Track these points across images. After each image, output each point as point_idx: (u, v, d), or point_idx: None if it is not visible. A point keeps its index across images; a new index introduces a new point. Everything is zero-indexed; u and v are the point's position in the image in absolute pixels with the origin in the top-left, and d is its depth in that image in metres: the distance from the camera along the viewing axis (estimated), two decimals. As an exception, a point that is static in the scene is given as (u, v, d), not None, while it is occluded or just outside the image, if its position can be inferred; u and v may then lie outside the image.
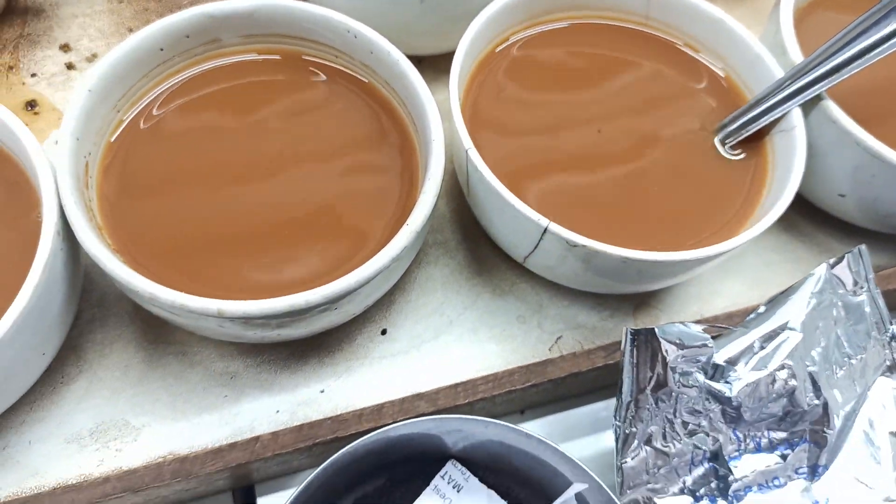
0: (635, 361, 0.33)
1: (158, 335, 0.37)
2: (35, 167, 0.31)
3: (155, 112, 0.36)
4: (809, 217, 0.44)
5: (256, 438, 0.32)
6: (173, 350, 0.37)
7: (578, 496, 0.32)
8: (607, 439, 0.39)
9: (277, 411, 0.36)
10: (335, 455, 0.30)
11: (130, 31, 0.46)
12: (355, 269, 0.30)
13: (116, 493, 0.31)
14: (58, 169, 0.31)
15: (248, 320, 0.29)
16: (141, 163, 0.34)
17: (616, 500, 0.30)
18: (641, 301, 0.40)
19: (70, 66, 0.44)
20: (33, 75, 0.44)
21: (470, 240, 0.41)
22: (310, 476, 0.29)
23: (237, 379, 0.36)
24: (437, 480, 0.35)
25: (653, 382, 0.33)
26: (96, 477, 0.31)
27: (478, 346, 0.38)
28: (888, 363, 0.37)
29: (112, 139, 0.34)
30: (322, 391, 0.36)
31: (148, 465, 0.31)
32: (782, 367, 0.35)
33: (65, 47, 0.45)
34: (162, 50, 0.35)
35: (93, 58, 0.44)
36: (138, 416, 0.35)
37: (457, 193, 0.42)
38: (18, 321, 0.28)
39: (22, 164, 0.33)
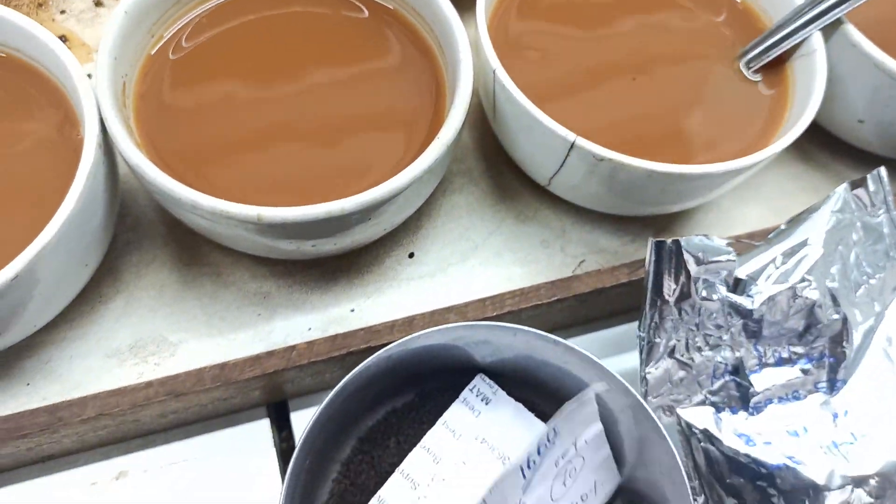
0: (659, 271, 0.34)
1: (193, 257, 0.38)
2: (77, 87, 0.31)
3: (188, 36, 0.36)
4: (827, 147, 0.44)
5: (293, 347, 0.33)
6: (207, 271, 0.38)
7: (602, 402, 0.33)
8: (631, 359, 0.40)
9: (309, 329, 0.37)
10: (366, 360, 0.31)
11: (156, -32, 0.46)
12: (389, 179, 0.30)
13: (159, 397, 0.32)
14: (98, 86, 0.31)
15: (286, 227, 0.30)
16: (175, 83, 0.35)
17: (643, 401, 0.31)
18: (662, 227, 0.41)
19: (98, 4, 0.45)
20: (62, 12, 0.44)
21: (493, 168, 0.42)
22: (342, 381, 0.31)
23: (270, 299, 0.37)
24: (465, 393, 0.36)
25: (676, 293, 0.34)
26: (139, 382, 0.32)
27: (503, 269, 0.39)
28: (905, 283, 0.38)
29: (148, 61, 0.35)
30: (352, 310, 0.37)
31: (189, 371, 0.32)
32: (803, 280, 0.35)
33: (93, -16, 0.45)
34: (194, -25, 0.36)
35: (120, -5, 0.45)
36: (175, 333, 0.36)
37: (480, 125, 0.43)
38: (65, 226, 0.29)
39: (63, 86, 0.33)
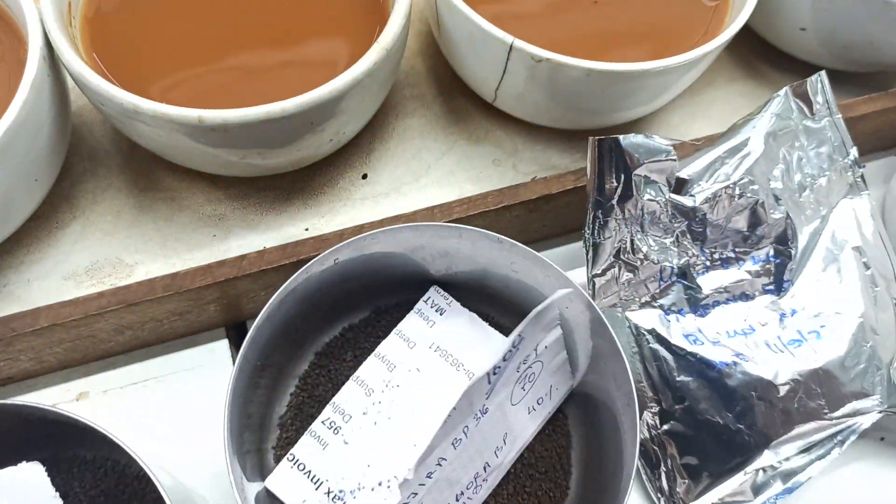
0: (601, 170, 0.35)
1: (148, 183, 0.38)
2: (21, 3, 0.32)
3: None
4: (773, 62, 0.45)
5: (243, 256, 0.34)
6: (163, 196, 0.38)
7: (559, 309, 0.33)
8: (581, 275, 0.41)
9: (264, 247, 0.37)
10: (313, 260, 0.31)
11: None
12: (328, 82, 0.31)
13: (111, 306, 0.32)
14: (42, 4, 0.32)
15: (227, 130, 0.30)
16: (120, 2, 0.36)
17: (592, 302, 0.31)
18: (612, 144, 0.42)
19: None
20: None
21: (446, 93, 0.43)
22: (288, 280, 0.31)
23: (225, 220, 0.38)
24: (420, 305, 0.37)
25: (618, 193, 0.35)
26: (92, 293, 0.32)
27: (456, 186, 0.40)
28: (849, 185, 0.39)
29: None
30: (306, 229, 0.38)
31: (141, 281, 0.33)
32: (743, 178, 0.36)
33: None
34: None
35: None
36: (131, 255, 0.37)
37: (431, 52, 0.44)
38: (9, 134, 0.29)
39: (6, 5, 0.34)
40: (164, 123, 0.30)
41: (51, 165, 0.34)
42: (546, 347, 0.34)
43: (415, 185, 0.40)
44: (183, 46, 0.35)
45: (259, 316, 0.30)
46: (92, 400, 0.36)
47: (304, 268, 0.31)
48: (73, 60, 0.31)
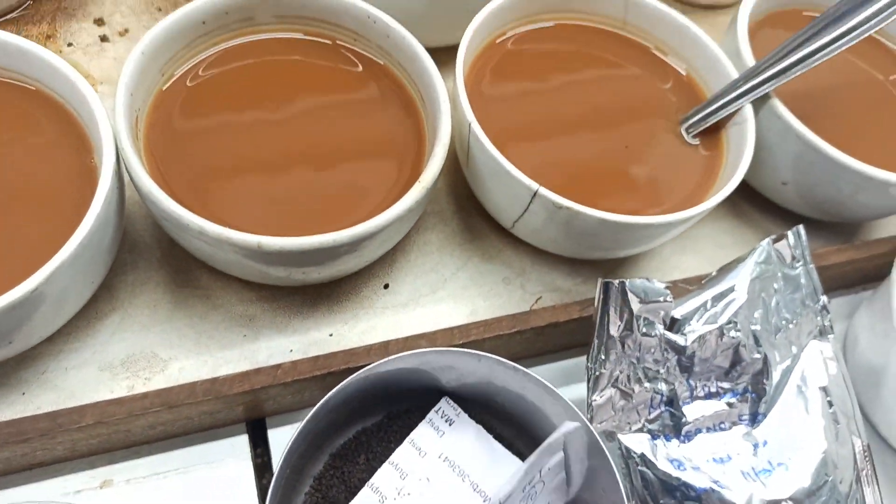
0: (606, 309, 0.39)
1: (185, 280, 0.41)
2: (95, 116, 0.35)
3: (195, 75, 0.40)
4: (757, 206, 0.50)
5: (278, 366, 0.36)
6: (198, 293, 0.41)
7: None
8: (580, 389, 0.44)
9: (291, 350, 0.40)
10: (347, 379, 0.34)
11: (159, 10, 0.50)
12: (376, 216, 0.34)
13: (154, 407, 0.34)
14: (116, 119, 0.35)
15: (282, 255, 0.33)
16: (182, 117, 0.39)
17: (591, 427, 0.35)
18: (610, 270, 0.46)
19: (104, 39, 0.48)
20: (69, 45, 0.47)
21: (463, 211, 0.46)
22: (325, 397, 0.34)
23: (255, 321, 0.41)
24: (431, 414, 0.40)
25: (620, 329, 0.39)
26: (136, 393, 0.35)
27: (468, 301, 0.43)
28: (818, 329, 0.43)
29: (158, 96, 0.39)
30: (331, 335, 0.41)
31: (182, 385, 0.35)
32: (729, 323, 0.40)
33: (98, 21, 0.48)
34: (204, 23, 0.40)
35: (125, 32, 0.48)
36: (166, 350, 0.39)
37: (453, 170, 0.48)
38: (81, 245, 0.32)
39: (77, 115, 0.37)
40: (223, 245, 0.33)
41: (106, 265, 0.36)
42: (549, 469, 0.37)
43: (432, 298, 0.43)
44: (233, 163, 0.38)
45: (297, 431, 0.33)
46: (116, 488, 0.37)
47: (341, 385, 0.34)
48: (143, 178, 0.34)
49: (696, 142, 0.44)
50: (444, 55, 0.45)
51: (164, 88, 0.39)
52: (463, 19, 0.46)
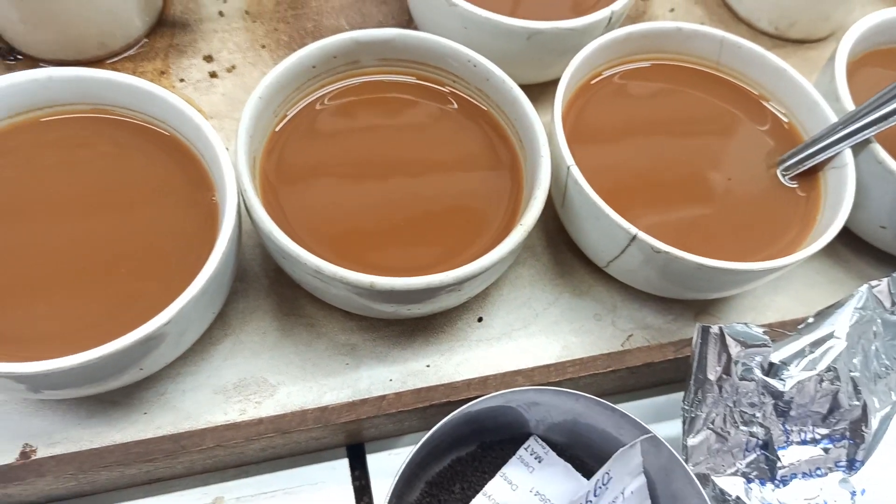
0: (703, 353, 0.39)
1: (291, 308, 0.43)
2: (218, 158, 0.37)
3: (305, 116, 0.42)
4: (851, 246, 0.49)
5: (383, 397, 0.38)
6: (303, 322, 0.43)
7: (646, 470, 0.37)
8: (668, 427, 0.45)
9: (390, 379, 0.42)
10: (454, 412, 0.36)
11: (263, 47, 0.53)
12: (481, 257, 0.36)
13: (268, 433, 0.37)
14: (237, 161, 0.37)
15: (392, 294, 0.35)
16: (293, 158, 0.41)
17: (687, 467, 0.35)
18: (701, 309, 0.46)
19: (213, 75, 0.51)
20: (181, 80, 0.50)
21: (553, 246, 0.47)
22: (433, 429, 0.35)
23: (356, 350, 0.42)
24: (521, 452, 0.41)
25: (718, 373, 0.39)
26: (251, 418, 0.37)
27: (560, 337, 0.44)
28: (919, 375, 0.43)
29: (272, 137, 0.41)
30: (428, 366, 0.42)
31: (294, 412, 0.37)
32: (829, 370, 0.40)
33: (207, 58, 0.51)
34: (314, 67, 0.42)
35: (232, 69, 0.51)
36: (274, 375, 0.41)
37: (544, 207, 0.48)
38: (210, 280, 0.34)
39: (200, 155, 0.39)
40: (337, 284, 0.35)
41: (224, 295, 0.39)
42: (632, 493, 0.38)
43: (524, 332, 0.44)
44: (341, 200, 0.40)
45: (405, 463, 0.34)
46: (226, 505, 0.40)
47: (448, 417, 0.35)
48: (265, 219, 0.36)
49: (794, 184, 0.44)
50: (535, 90, 0.46)
51: (277, 129, 0.42)
52: (555, 59, 0.47)
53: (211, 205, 0.38)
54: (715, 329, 0.38)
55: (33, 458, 0.37)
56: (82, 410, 0.39)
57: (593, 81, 0.46)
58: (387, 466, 0.42)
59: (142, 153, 0.40)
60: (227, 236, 0.35)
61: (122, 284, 0.36)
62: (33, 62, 0.50)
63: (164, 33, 0.52)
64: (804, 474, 0.41)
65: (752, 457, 0.41)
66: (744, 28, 0.60)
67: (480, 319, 0.44)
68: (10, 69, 0.50)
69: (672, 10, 0.60)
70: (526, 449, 0.41)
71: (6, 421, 0.38)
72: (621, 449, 0.36)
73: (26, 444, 0.38)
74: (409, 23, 0.55)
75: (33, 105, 0.39)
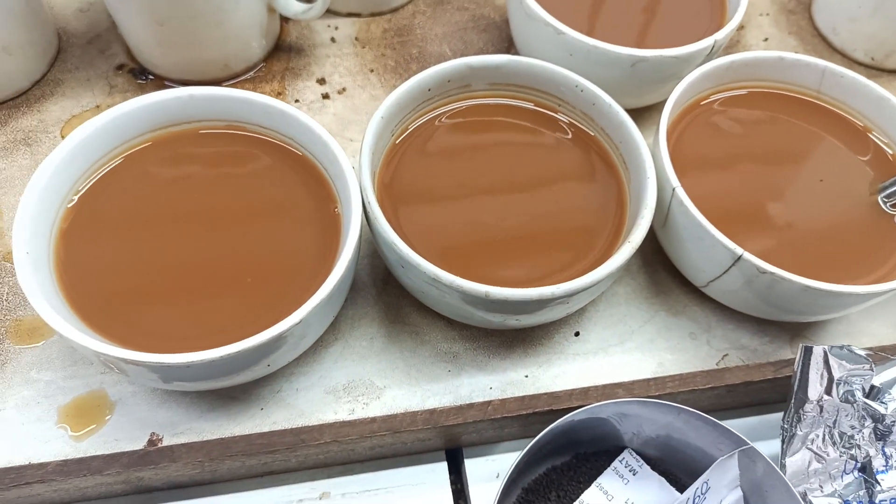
0: (805, 373, 0.39)
1: (396, 316, 0.45)
2: (344, 173, 0.40)
3: (420, 135, 0.45)
4: (951, 275, 0.49)
5: (489, 402, 0.40)
6: (408, 329, 0.45)
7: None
8: (759, 448, 0.45)
9: (490, 388, 0.43)
10: (557, 420, 0.37)
11: (371, 71, 0.56)
12: (591, 272, 0.37)
13: (381, 431, 0.39)
14: (362, 176, 0.40)
15: (505, 304, 0.37)
16: (408, 173, 0.43)
17: (790, 485, 0.36)
18: (797, 331, 0.47)
19: (325, 97, 0.54)
20: (296, 101, 0.54)
21: (649, 266, 0.49)
22: (541, 434, 0.37)
23: (458, 358, 0.44)
24: (616, 464, 0.42)
25: (819, 393, 0.40)
26: (364, 417, 0.39)
27: (656, 354, 0.45)
28: None
29: (388, 154, 0.44)
30: (526, 376, 0.44)
31: (405, 413, 0.39)
32: (932, 394, 0.40)
33: (321, 81, 0.55)
34: (429, 90, 0.44)
35: (343, 91, 0.54)
36: (381, 379, 0.43)
37: (638, 226, 0.50)
38: (335, 286, 0.36)
39: (325, 170, 0.42)
40: (452, 292, 0.37)
41: (342, 300, 0.41)
42: None
43: (620, 348, 0.45)
44: (454, 215, 0.42)
45: (511, 468, 0.36)
46: (332, 500, 0.42)
47: (551, 426, 0.37)
48: (388, 230, 0.38)
49: (895, 212, 0.45)
50: (631, 115, 0.47)
51: (394, 146, 0.44)
52: (655, 86, 0.49)
53: (333, 216, 0.41)
54: (818, 349, 0.39)
55: (160, 445, 0.40)
56: (204, 404, 0.42)
57: (694, 107, 0.47)
58: (482, 471, 0.44)
59: (271, 167, 0.43)
60: (352, 245, 0.38)
61: (249, 290, 0.39)
62: (161, 81, 0.54)
63: (281, 57, 0.56)
64: (905, 500, 0.41)
65: (851, 479, 0.41)
66: (838, 58, 0.60)
67: (577, 334, 0.46)
68: (141, 88, 0.54)
69: (766, 39, 0.61)
70: (621, 461, 0.42)
71: (135, 411, 0.42)
72: (720, 459, 0.37)
73: (153, 433, 0.41)
74: (508, 49, 0.57)
75: (174, 120, 0.43)
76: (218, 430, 0.41)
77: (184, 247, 0.40)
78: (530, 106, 0.47)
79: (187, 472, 0.40)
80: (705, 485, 0.38)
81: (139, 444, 0.40)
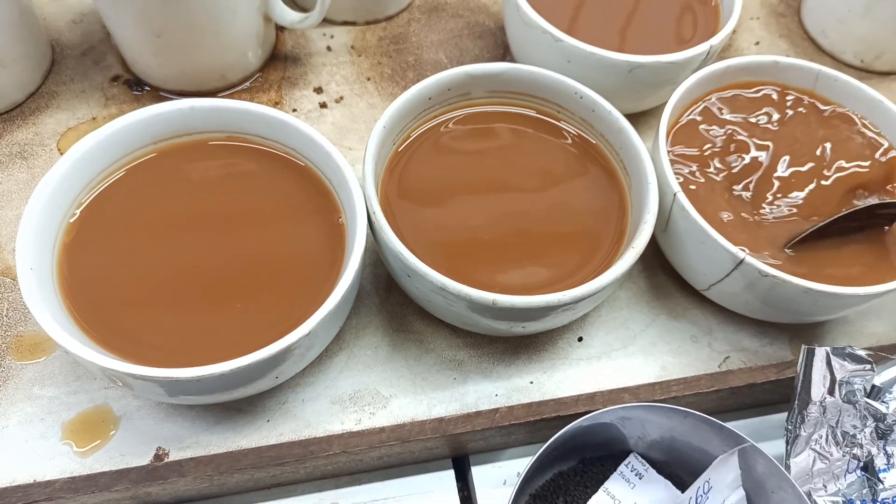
0: (808, 374, 0.40)
1: (400, 325, 0.45)
2: (347, 183, 0.40)
3: (421, 143, 0.45)
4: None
5: (496, 410, 0.40)
6: (412, 338, 0.45)
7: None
8: (765, 447, 0.45)
9: (496, 395, 0.43)
10: (567, 426, 0.37)
11: (368, 79, 0.56)
12: (596, 278, 0.38)
13: (390, 440, 0.39)
14: (365, 185, 0.40)
15: (511, 311, 0.37)
16: (409, 181, 0.44)
17: (798, 488, 0.37)
18: (796, 333, 0.47)
19: (322, 105, 0.54)
20: (294, 110, 0.54)
21: (649, 270, 0.49)
22: (551, 440, 0.37)
23: (462, 366, 0.44)
24: (622, 468, 0.43)
25: (822, 393, 0.40)
26: (373, 427, 0.39)
27: (658, 357, 0.45)
28: None
29: (390, 162, 0.44)
30: (531, 382, 0.44)
31: (414, 422, 0.39)
32: (932, 392, 0.41)
33: (318, 90, 0.55)
34: (430, 98, 0.44)
35: (340, 99, 0.54)
36: (387, 388, 0.43)
37: (637, 230, 0.50)
38: (343, 297, 0.36)
39: (328, 180, 0.42)
40: (460, 301, 0.37)
41: (348, 310, 0.41)
42: None
43: (623, 352, 0.46)
44: (456, 222, 0.43)
45: (522, 474, 0.36)
46: (341, 510, 0.42)
47: (561, 432, 0.37)
48: (393, 239, 0.38)
49: None
50: (631, 119, 0.48)
51: (396, 154, 0.44)
52: (651, 91, 0.49)
53: (337, 226, 0.41)
54: (821, 351, 0.40)
55: (166, 460, 0.40)
56: (210, 417, 0.42)
57: (691, 108, 0.48)
58: (489, 478, 0.44)
59: (272, 177, 0.43)
60: (358, 255, 0.38)
61: (254, 302, 0.39)
62: (157, 92, 0.54)
63: (277, 67, 0.56)
64: (907, 497, 0.42)
65: (854, 478, 0.41)
66: (828, 60, 0.61)
67: (580, 339, 0.46)
68: (137, 99, 0.54)
69: (757, 43, 0.62)
70: (627, 465, 0.43)
71: (141, 426, 0.41)
72: (720, 457, 0.37)
73: (159, 447, 0.41)
74: (504, 55, 0.58)
75: (175, 132, 0.43)
76: (224, 443, 0.41)
77: (187, 260, 0.40)
78: (531, 113, 0.47)
79: (196, 486, 0.40)
80: (707, 484, 0.38)
81: (145, 459, 0.40)
